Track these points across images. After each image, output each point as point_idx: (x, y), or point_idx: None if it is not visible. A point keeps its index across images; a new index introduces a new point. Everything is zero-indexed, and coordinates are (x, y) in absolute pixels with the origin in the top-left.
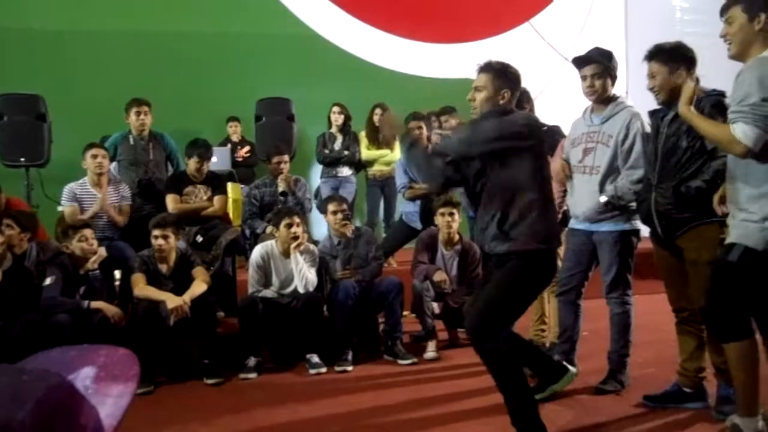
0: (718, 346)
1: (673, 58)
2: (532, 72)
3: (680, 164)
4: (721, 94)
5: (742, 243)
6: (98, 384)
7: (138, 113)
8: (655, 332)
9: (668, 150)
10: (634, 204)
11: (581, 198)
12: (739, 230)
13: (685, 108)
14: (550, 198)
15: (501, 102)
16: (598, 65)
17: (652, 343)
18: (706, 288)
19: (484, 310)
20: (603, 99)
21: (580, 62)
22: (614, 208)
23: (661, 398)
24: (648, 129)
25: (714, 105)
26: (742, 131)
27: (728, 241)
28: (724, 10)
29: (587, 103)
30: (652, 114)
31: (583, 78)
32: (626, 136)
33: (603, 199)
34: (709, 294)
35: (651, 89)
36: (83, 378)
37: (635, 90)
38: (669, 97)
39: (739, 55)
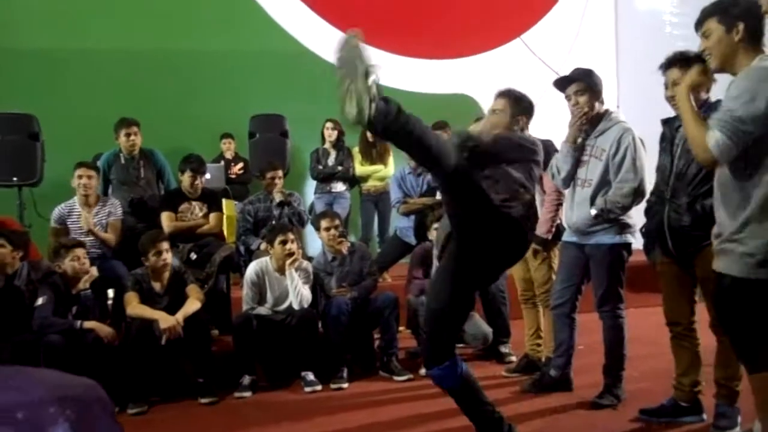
0: (725, 361)
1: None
2: (523, 87)
3: (696, 179)
4: None
5: (728, 274)
6: None
7: (128, 134)
8: (650, 346)
9: (684, 164)
10: (626, 218)
11: (574, 209)
12: (723, 258)
13: (685, 90)
14: None
15: (515, 128)
16: (578, 83)
17: (648, 356)
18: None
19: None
20: (593, 118)
21: (561, 84)
22: (605, 220)
23: (657, 412)
24: (638, 141)
25: None
26: (715, 140)
27: (715, 268)
28: (698, 24)
29: None
30: (666, 123)
31: (568, 98)
32: (617, 151)
33: (593, 211)
34: (720, 325)
35: (702, 52)
36: None
37: (626, 101)
38: (723, 63)
39: (722, 68)
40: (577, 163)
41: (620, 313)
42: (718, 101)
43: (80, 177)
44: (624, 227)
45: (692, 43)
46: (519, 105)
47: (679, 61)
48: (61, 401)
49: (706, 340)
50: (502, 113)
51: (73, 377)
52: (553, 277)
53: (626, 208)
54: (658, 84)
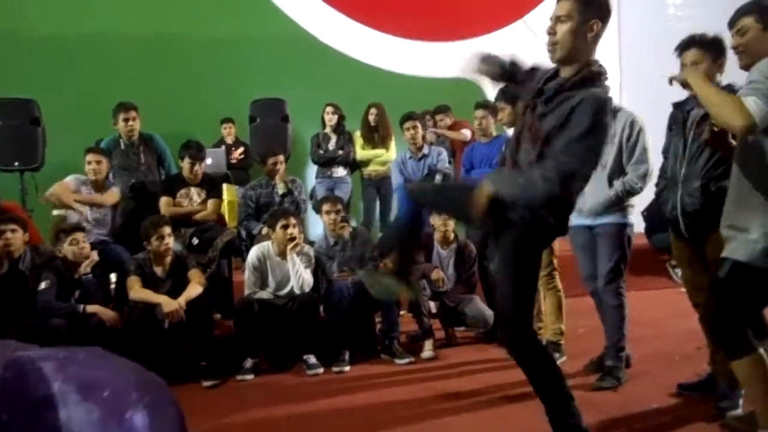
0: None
1: None
2: (538, 73)
3: (710, 163)
4: (735, 89)
5: (730, 257)
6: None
7: (126, 119)
8: (650, 328)
9: (697, 148)
10: (629, 200)
11: (586, 193)
12: (729, 244)
13: (700, 75)
14: None
15: (589, 35)
16: None
17: (648, 339)
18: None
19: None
20: None
21: None
22: (619, 201)
23: (696, 387)
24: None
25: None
26: (754, 103)
27: (722, 254)
28: (733, 21)
29: None
30: (677, 106)
31: None
32: (630, 134)
33: (612, 193)
34: (710, 310)
35: (735, 48)
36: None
37: (628, 83)
38: (754, 61)
39: (750, 67)
40: None
41: (623, 291)
42: (729, 85)
43: (89, 163)
44: (627, 208)
45: (695, 25)
46: (590, 6)
47: (698, 42)
48: (142, 388)
49: None
50: (569, 21)
51: (148, 372)
52: (554, 261)
53: (642, 189)
54: (660, 65)
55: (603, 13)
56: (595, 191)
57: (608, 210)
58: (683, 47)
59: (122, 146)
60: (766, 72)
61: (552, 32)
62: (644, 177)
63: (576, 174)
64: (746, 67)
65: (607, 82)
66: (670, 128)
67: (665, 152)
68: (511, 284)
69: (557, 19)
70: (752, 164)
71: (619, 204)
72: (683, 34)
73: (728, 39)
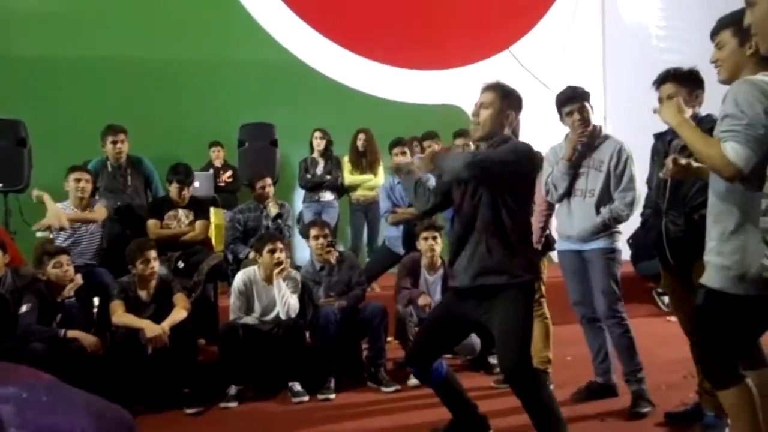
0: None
1: (746, 32)
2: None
3: (692, 192)
4: (715, 119)
5: (705, 284)
6: None
7: (114, 142)
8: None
9: (679, 178)
10: (617, 227)
11: (575, 219)
12: (706, 270)
13: (679, 115)
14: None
15: (505, 122)
16: (579, 101)
17: None
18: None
19: (520, 348)
20: (590, 133)
21: (569, 99)
22: (606, 228)
23: (683, 416)
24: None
25: (711, 130)
26: (733, 150)
27: (700, 281)
28: (714, 34)
29: (566, 129)
30: (658, 137)
31: (569, 114)
32: (618, 162)
33: (599, 220)
34: (694, 340)
35: (714, 62)
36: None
37: (613, 113)
38: (731, 76)
39: (729, 81)
40: (572, 179)
41: (624, 316)
42: (708, 115)
43: (77, 180)
44: (614, 234)
45: (678, 56)
46: (508, 99)
47: (673, 76)
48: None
49: None
50: (491, 107)
51: (109, 404)
52: (542, 287)
53: (629, 216)
54: (644, 96)
55: (517, 106)
56: (583, 217)
57: (596, 236)
58: (660, 81)
59: (109, 168)
60: (742, 104)
61: (476, 115)
62: (631, 204)
63: (491, 166)
64: (725, 81)
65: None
66: (652, 158)
67: (649, 182)
68: (517, 338)
69: (481, 105)
70: (725, 193)
71: (606, 230)
72: (667, 65)
73: (712, 78)
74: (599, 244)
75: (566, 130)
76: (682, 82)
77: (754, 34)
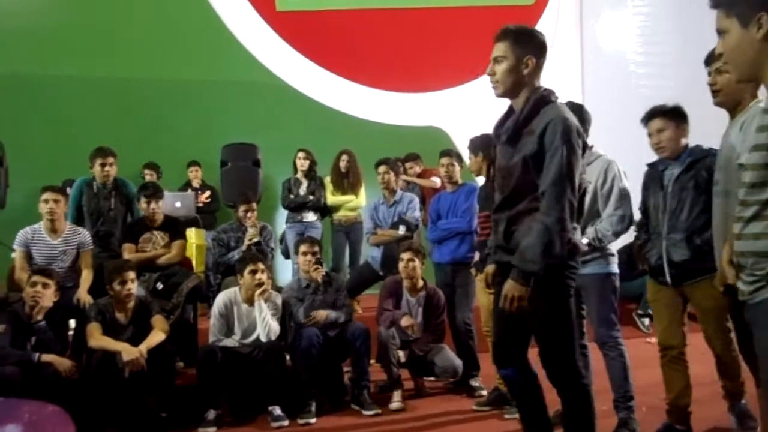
0: (728, 372)
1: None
2: (494, 121)
3: (692, 216)
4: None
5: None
6: None
7: (103, 165)
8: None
9: (677, 203)
10: (610, 248)
11: None
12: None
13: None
14: None
15: (525, 71)
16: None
17: None
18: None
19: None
20: None
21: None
22: (594, 249)
23: None
24: (622, 172)
25: (702, 160)
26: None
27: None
28: (709, 59)
29: None
30: (651, 166)
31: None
32: (605, 181)
33: (585, 240)
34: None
35: (712, 85)
36: None
37: (591, 140)
38: (728, 100)
39: (748, 78)
40: None
41: (620, 340)
42: (697, 146)
43: (46, 201)
44: (609, 257)
45: (655, 82)
46: (523, 44)
47: (661, 112)
48: None
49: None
50: (505, 60)
51: (42, 405)
52: None
53: (618, 235)
54: (623, 121)
55: (535, 49)
56: None
57: (591, 258)
58: (648, 118)
59: (94, 189)
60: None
61: (492, 73)
62: (619, 222)
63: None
64: (720, 104)
65: (558, 101)
66: (646, 186)
67: (643, 209)
68: (556, 338)
69: (495, 60)
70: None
71: (592, 252)
72: (645, 92)
73: (691, 104)
74: (594, 268)
75: None
76: (669, 117)
77: (725, 63)
